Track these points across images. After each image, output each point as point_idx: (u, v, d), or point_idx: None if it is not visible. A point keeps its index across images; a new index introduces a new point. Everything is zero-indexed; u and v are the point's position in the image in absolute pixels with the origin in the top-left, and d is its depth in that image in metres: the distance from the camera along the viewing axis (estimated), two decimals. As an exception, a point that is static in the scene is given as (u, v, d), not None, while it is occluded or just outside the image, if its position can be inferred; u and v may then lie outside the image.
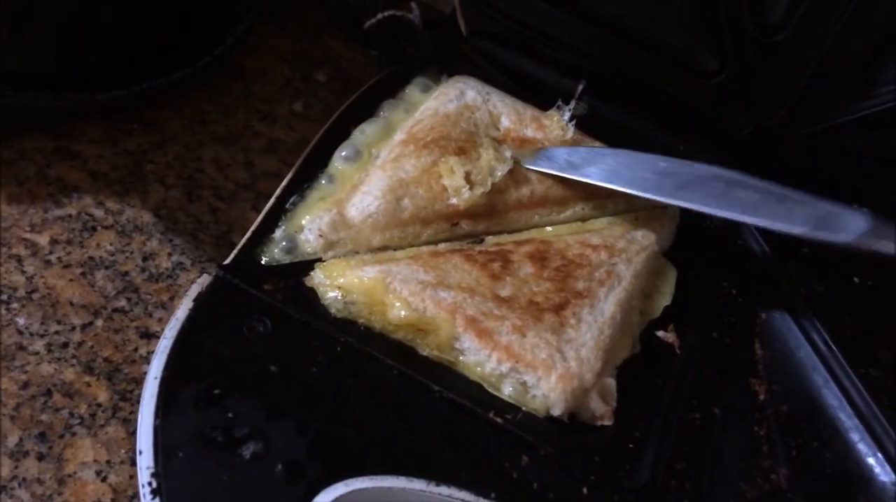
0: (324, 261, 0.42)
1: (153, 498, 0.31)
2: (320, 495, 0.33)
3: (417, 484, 0.35)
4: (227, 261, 0.41)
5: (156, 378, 0.35)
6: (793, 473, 0.44)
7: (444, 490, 0.35)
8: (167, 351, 0.35)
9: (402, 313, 0.40)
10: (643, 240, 0.47)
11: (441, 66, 0.55)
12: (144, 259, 0.50)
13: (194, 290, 0.38)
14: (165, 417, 0.34)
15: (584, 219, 0.48)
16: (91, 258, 0.49)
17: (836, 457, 0.45)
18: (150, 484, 0.31)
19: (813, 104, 0.52)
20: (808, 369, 0.48)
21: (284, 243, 0.42)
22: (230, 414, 0.35)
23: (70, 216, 0.51)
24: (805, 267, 0.52)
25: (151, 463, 0.32)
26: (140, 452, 0.32)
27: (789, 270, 0.52)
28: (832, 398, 0.47)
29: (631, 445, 0.41)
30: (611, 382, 0.42)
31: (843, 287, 0.52)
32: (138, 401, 0.44)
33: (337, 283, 0.41)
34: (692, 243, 0.51)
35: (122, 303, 0.48)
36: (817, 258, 0.53)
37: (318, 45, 0.68)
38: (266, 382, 0.37)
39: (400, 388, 0.39)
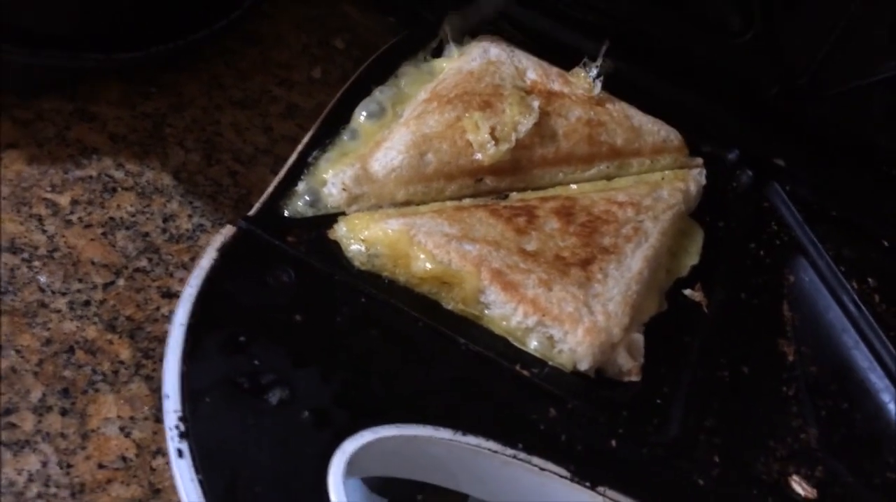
0: (347, 215, 0.42)
1: (181, 441, 0.31)
2: (346, 442, 0.33)
3: (444, 434, 0.35)
4: (250, 213, 0.40)
5: (181, 324, 0.34)
6: (822, 433, 0.43)
7: (472, 439, 0.35)
8: (192, 298, 0.35)
9: (427, 265, 0.39)
10: (670, 199, 0.46)
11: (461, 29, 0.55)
12: (165, 220, 0.50)
13: (218, 240, 0.38)
14: (191, 363, 0.33)
15: (609, 178, 0.48)
16: (112, 218, 0.49)
17: (866, 418, 0.45)
18: (177, 427, 0.31)
19: (840, 64, 0.51)
20: (838, 331, 0.47)
21: (307, 197, 0.42)
22: (256, 362, 0.34)
23: (90, 177, 0.50)
24: (832, 229, 0.51)
25: (178, 406, 0.32)
26: (167, 396, 0.32)
27: (817, 233, 0.51)
28: (863, 359, 0.46)
29: (659, 401, 0.40)
30: (639, 337, 0.41)
31: (872, 250, 0.52)
32: (161, 360, 0.44)
33: (361, 236, 0.40)
34: (718, 204, 0.50)
35: (144, 263, 0.47)
36: (845, 221, 0.52)
37: (335, 12, 0.67)
38: (291, 331, 0.36)
39: (425, 341, 0.38)
